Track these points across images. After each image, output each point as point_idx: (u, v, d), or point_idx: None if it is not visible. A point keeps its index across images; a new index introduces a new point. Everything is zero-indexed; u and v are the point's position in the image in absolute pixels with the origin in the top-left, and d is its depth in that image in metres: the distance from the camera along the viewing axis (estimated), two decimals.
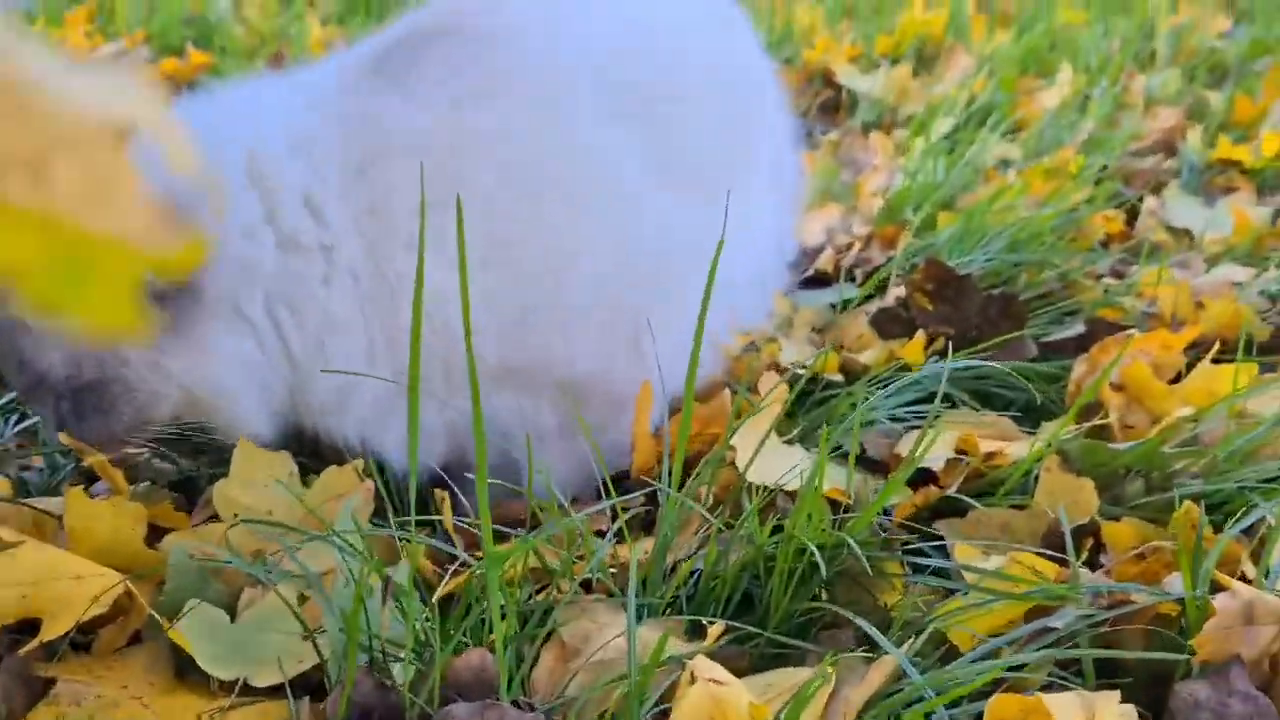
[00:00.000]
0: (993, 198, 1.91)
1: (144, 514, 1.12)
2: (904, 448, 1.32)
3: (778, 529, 1.03)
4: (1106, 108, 2.70)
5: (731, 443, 1.17)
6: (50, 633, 1.01)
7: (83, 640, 1.07)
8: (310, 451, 1.32)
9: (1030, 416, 1.44)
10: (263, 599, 1.09)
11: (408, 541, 0.99)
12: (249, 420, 1.22)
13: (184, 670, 1.03)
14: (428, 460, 1.29)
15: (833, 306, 1.79)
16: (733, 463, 1.19)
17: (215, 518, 1.24)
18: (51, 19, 4.18)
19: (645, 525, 1.23)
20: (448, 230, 1.20)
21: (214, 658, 1.00)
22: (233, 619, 1.07)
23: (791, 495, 1.16)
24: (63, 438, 1.20)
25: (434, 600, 0.92)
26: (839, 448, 1.34)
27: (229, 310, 1.16)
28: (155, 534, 1.17)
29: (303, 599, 1.08)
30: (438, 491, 1.21)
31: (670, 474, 1.04)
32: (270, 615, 1.06)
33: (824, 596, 1.00)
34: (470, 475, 1.26)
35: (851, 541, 0.96)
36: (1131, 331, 1.44)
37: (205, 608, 1.06)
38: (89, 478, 1.37)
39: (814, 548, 0.95)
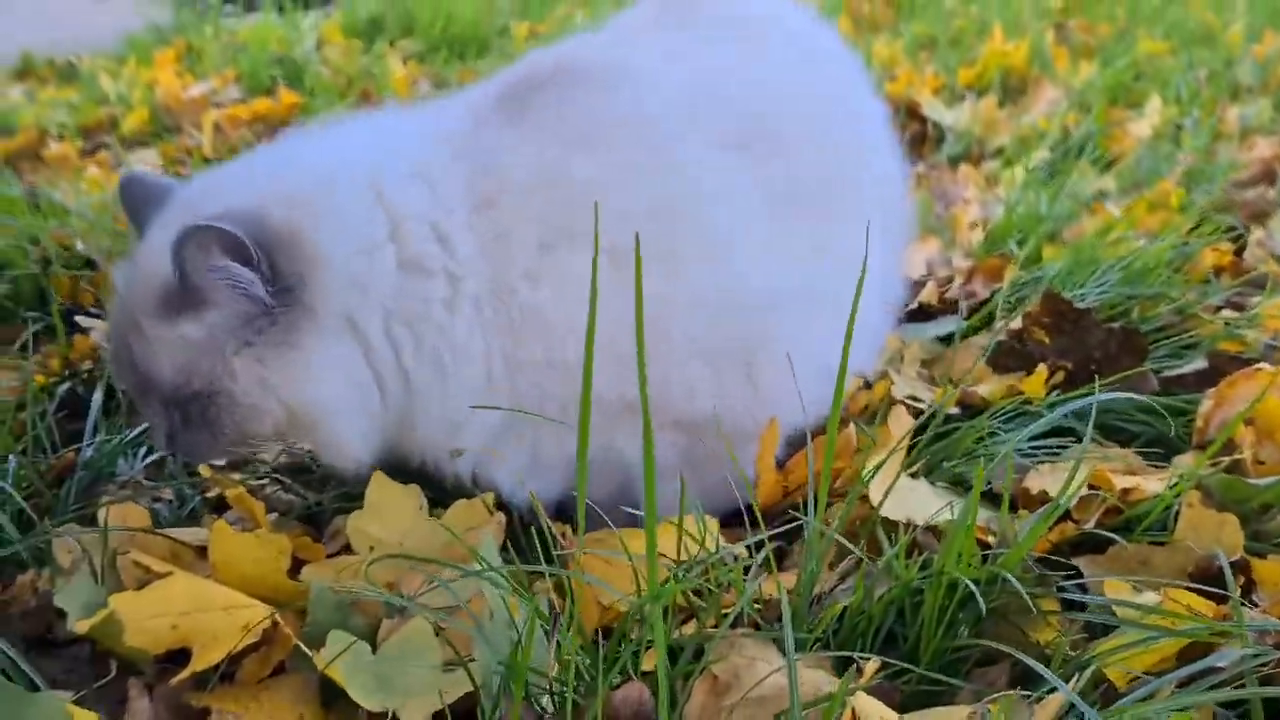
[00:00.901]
0: (1103, 230, 1.89)
1: (288, 546, 1.13)
2: (1033, 482, 1.30)
3: (924, 564, 1.02)
4: (1203, 139, 2.66)
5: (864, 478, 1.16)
6: (202, 663, 1.03)
7: (227, 669, 1.08)
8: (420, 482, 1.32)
9: (1155, 451, 1.42)
10: (400, 630, 1.09)
11: (558, 578, 0.99)
12: (348, 442, 1.22)
13: (329, 700, 1.04)
14: (549, 493, 1.30)
15: (940, 339, 1.78)
16: (864, 497, 1.18)
17: (346, 548, 1.26)
18: (142, 60, 4.30)
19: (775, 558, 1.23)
20: (564, 268, 1.22)
21: (364, 689, 1.00)
22: (373, 650, 1.08)
23: (931, 531, 1.16)
24: (203, 470, 1.22)
25: (594, 635, 0.92)
26: (961, 481, 1.34)
27: (340, 328, 1.18)
28: (291, 566, 1.19)
29: (437, 630, 1.09)
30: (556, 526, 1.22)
31: (815, 507, 1.03)
32: (411, 646, 1.07)
33: (971, 634, 0.99)
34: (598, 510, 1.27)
35: (1011, 577, 0.95)
36: (1261, 366, 1.41)
37: (349, 639, 1.06)
38: (216, 509, 1.40)
39: (969, 583, 0.94)
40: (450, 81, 3.77)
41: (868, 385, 1.54)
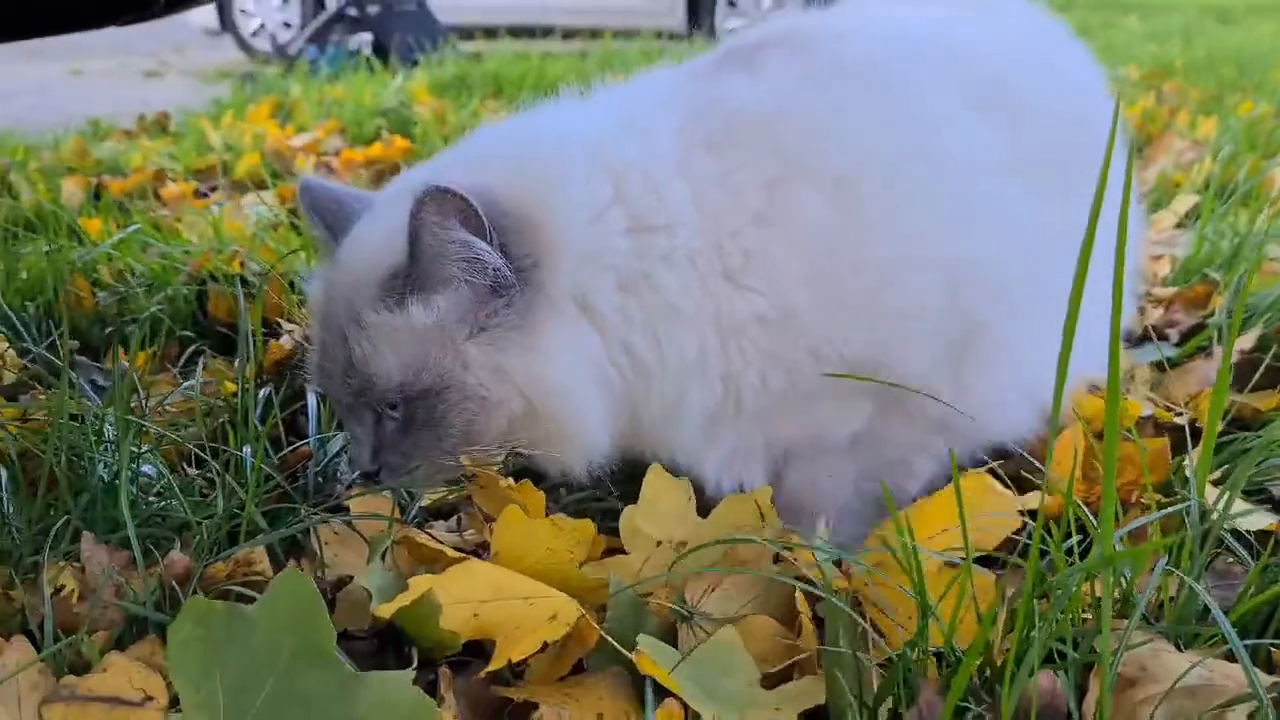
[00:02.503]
0: None
1: (587, 535, 1.04)
2: None
3: None
4: None
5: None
6: (510, 654, 0.93)
7: (516, 667, 0.99)
8: None
9: None
10: (709, 640, 1.00)
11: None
12: (591, 429, 1.09)
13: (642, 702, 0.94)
14: (752, 483, 1.19)
15: (1157, 366, 1.70)
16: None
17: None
18: (238, 112, 4.32)
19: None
20: (796, 205, 1.08)
21: (694, 696, 0.91)
22: None
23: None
24: (465, 460, 1.12)
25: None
26: (1261, 491, 1.25)
27: (574, 305, 1.07)
28: None
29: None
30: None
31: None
32: (720, 656, 0.98)
33: None
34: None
35: None
36: None
37: (656, 643, 0.97)
38: (434, 515, 1.31)
39: None
40: None
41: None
